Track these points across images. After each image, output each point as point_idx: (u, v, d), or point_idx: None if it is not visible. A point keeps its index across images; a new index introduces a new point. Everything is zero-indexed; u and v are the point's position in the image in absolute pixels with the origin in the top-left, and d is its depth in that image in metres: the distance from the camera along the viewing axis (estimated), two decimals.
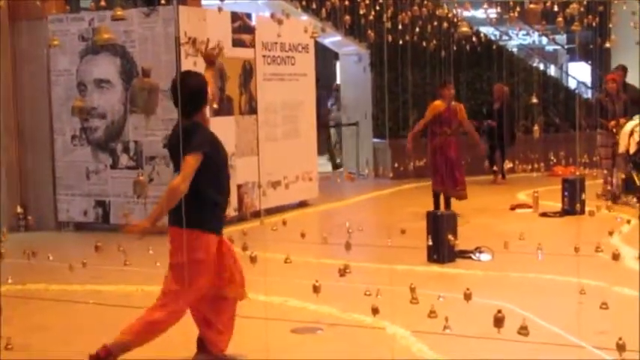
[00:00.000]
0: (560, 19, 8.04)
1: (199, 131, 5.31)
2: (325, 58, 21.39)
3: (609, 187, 12.81)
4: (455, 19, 14.21)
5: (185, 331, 5.76)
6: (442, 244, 8.73)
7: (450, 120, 11.58)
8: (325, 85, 20.64)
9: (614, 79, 13.11)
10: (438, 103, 11.61)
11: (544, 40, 25.08)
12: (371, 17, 11.08)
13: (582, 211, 11.35)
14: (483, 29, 18.51)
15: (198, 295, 5.42)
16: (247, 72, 12.13)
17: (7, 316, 6.28)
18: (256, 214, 11.62)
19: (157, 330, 5.42)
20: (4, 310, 5.99)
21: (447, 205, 11.59)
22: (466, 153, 14.68)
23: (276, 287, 7.31)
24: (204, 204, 5.32)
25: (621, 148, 12.33)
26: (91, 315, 7.31)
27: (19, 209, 10.61)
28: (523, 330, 5.20)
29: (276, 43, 12.67)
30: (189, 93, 5.30)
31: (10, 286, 7.93)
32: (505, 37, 22.09)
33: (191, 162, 5.13)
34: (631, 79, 14.38)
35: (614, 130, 12.61)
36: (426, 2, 13.83)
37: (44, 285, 8.28)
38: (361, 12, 11.26)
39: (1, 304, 6.05)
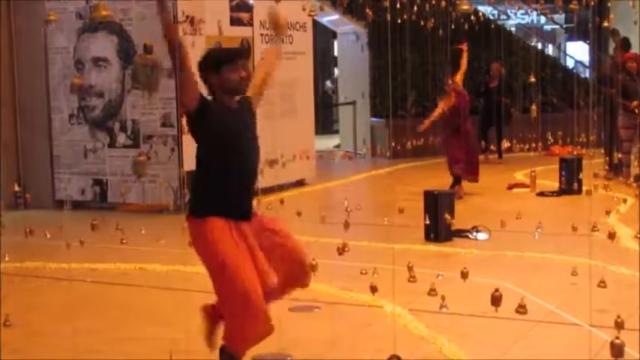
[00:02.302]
0: None
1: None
2: (323, 37, 21.35)
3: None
4: None
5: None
6: (439, 223, 8.75)
7: (459, 106, 11.73)
8: None
9: (634, 59, 12.84)
10: (449, 99, 11.77)
11: (542, 19, 25.03)
12: None
13: (579, 191, 11.41)
14: (482, 8, 18.46)
15: (246, 277, 4.58)
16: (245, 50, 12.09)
17: (4, 294, 6.31)
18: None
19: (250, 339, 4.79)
20: (1, 288, 6.02)
21: (459, 182, 11.73)
22: None
23: None
24: (205, 185, 4.85)
25: None
26: (89, 293, 7.33)
27: (16, 187, 10.62)
28: (521, 308, 5.23)
29: None
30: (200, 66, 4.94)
31: (8, 264, 7.95)
32: (503, 17, 22.06)
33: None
34: None
35: (637, 111, 12.40)
36: None
37: (42, 263, 8.30)
38: None
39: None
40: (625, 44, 13.32)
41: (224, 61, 4.85)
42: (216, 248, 4.67)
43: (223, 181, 4.79)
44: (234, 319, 4.69)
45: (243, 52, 5.29)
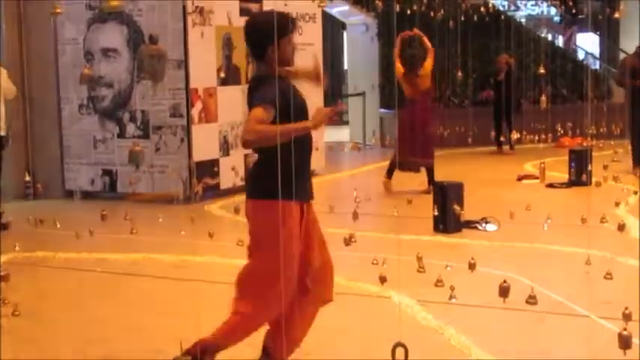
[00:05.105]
0: None
1: (263, 83, 4.53)
2: (332, 28, 21.33)
3: None
4: None
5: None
6: (448, 214, 8.75)
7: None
8: None
9: None
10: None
11: (552, 10, 24.95)
12: None
13: (589, 182, 11.40)
14: None
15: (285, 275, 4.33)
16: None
17: (14, 283, 6.33)
18: None
19: (246, 329, 4.62)
20: (11, 277, 6.04)
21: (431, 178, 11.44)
22: (473, 123, 14.72)
23: None
24: (276, 168, 4.40)
25: None
26: (98, 283, 7.35)
27: (27, 177, 10.64)
28: (531, 299, 5.23)
29: None
30: (255, 33, 4.57)
31: (18, 254, 7.98)
32: (513, 8, 22.00)
33: (253, 114, 4.36)
34: None
35: None
36: None
37: (52, 252, 8.32)
38: None
39: (8, 271, 6.10)
40: None
41: (282, 33, 4.50)
42: (279, 237, 4.37)
43: (288, 160, 4.43)
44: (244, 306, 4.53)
45: (294, 21, 4.78)
